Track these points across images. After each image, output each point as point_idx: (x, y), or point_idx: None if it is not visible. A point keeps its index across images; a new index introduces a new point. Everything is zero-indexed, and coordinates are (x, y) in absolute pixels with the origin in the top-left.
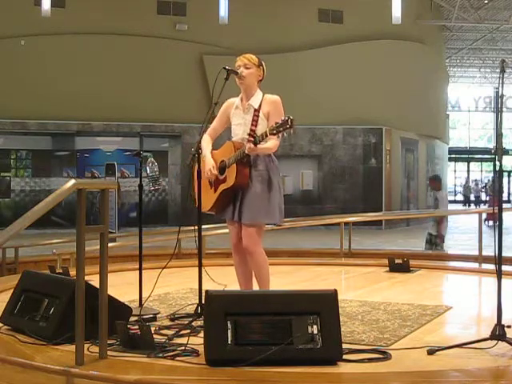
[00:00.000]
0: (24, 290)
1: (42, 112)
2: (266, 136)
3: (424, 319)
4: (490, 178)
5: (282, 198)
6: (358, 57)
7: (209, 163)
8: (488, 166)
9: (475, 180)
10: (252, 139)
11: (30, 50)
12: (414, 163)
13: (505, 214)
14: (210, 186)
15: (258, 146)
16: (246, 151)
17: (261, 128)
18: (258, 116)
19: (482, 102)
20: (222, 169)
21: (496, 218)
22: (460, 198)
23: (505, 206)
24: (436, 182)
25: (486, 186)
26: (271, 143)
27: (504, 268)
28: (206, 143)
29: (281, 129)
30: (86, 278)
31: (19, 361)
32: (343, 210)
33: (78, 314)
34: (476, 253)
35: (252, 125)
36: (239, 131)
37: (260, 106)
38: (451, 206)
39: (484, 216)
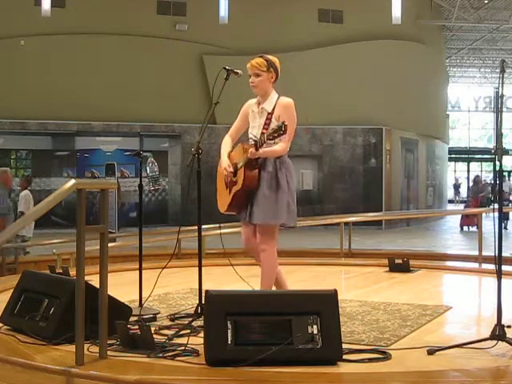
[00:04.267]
0: (24, 290)
1: (42, 112)
2: (265, 141)
3: (424, 319)
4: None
5: (292, 199)
6: (358, 57)
7: (225, 162)
8: (488, 166)
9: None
10: (254, 144)
11: (30, 50)
12: (413, 163)
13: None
14: (225, 188)
15: (263, 149)
16: (249, 155)
17: None
18: (270, 120)
19: (482, 102)
20: (235, 171)
21: (471, 223)
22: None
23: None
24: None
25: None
26: (278, 146)
27: (504, 268)
28: (225, 145)
29: (275, 134)
30: (86, 277)
31: (19, 361)
32: (343, 209)
33: (78, 314)
34: (476, 253)
35: (264, 128)
36: (253, 134)
37: (273, 109)
38: (451, 206)
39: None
